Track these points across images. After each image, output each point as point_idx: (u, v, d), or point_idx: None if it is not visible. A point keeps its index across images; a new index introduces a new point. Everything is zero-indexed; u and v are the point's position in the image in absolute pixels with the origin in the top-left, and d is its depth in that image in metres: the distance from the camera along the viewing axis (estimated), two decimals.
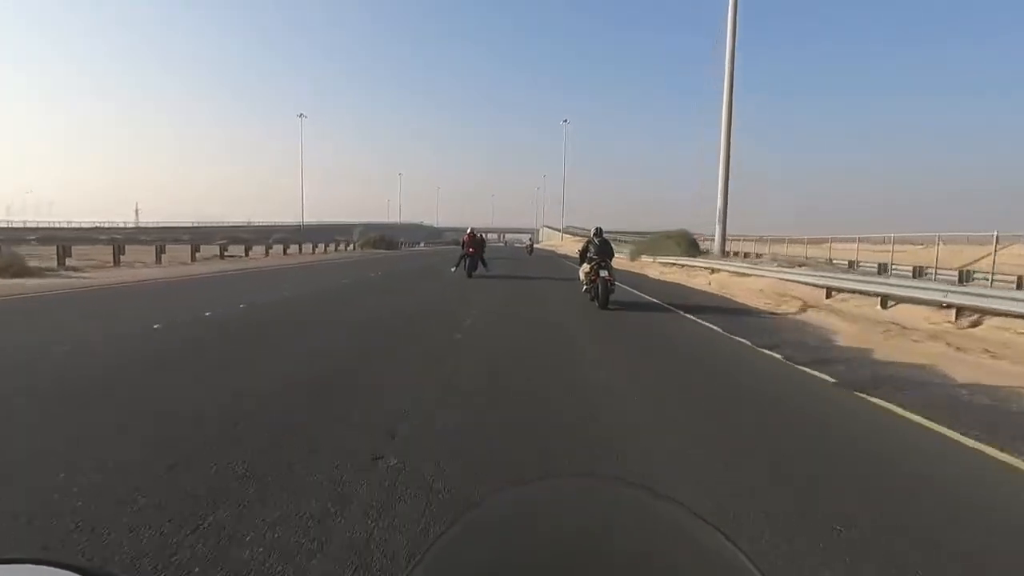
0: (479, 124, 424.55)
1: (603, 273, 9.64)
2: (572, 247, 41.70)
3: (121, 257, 16.64)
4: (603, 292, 9.56)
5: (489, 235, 46.83)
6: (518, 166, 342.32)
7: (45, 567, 0.39)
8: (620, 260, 29.76)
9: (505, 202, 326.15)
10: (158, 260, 17.94)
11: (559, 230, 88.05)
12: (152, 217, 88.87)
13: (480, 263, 16.19)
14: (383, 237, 45.33)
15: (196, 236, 52.25)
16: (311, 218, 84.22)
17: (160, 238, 38.30)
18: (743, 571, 0.43)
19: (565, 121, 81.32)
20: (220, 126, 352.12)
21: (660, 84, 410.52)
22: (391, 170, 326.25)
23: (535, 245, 50.14)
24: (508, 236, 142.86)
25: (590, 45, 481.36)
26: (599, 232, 10.64)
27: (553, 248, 66.28)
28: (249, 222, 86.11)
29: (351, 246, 41.76)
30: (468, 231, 16.76)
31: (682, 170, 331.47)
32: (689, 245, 24.49)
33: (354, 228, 60.23)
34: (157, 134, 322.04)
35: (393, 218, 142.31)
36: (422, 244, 72.71)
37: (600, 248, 10.17)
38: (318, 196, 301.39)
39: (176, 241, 30.40)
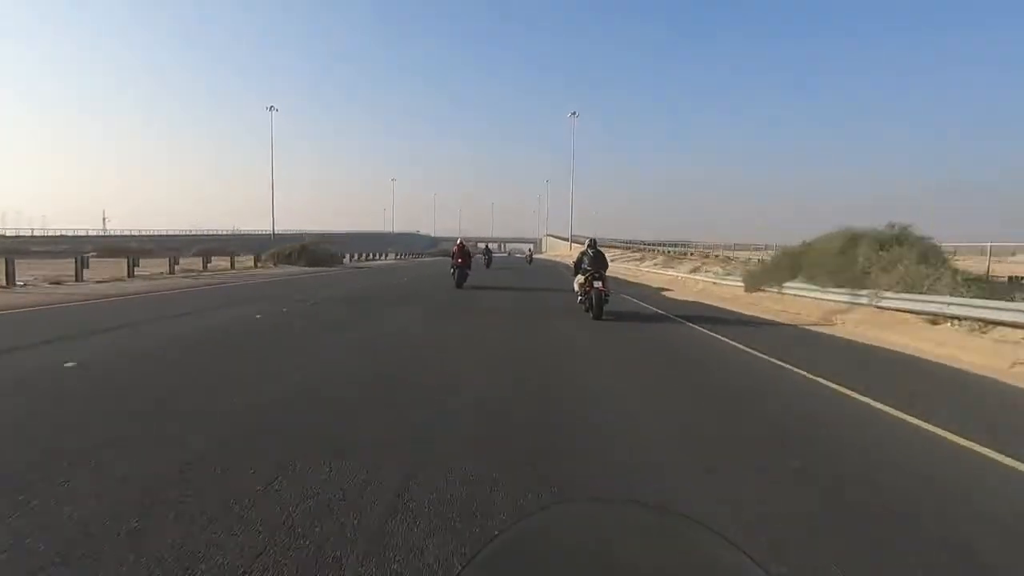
0: (480, 131, 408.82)
1: (597, 284, 9.56)
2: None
3: None
4: (597, 302, 9.46)
5: (491, 245, 44.70)
6: (521, 174, 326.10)
7: None
8: (730, 293, 15.22)
9: (507, 211, 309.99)
10: None
11: (565, 239, 73.50)
12: (130, 226, 75.69)
13: (468, 272, 15.93)
14: (306, 248, 29.31)
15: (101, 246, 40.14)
16: (307, 227, 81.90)
17: (74, 248, 31.32)
18: None
19: (573, 114, 65.88)
20: (212, 137, 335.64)
21: (673, 79, 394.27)
22: (390, 178, 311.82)
23: (535, 255, 50.34)
24: (510, 246, 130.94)
25: (600, 41, 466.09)
26: (593, 243, 10.49)
27: (559, 258, 56.58)
28: (236, 230, 77.21)
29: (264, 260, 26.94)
30: (458, 242, 16.20)
31: (700, 170, 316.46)
32: (941, 265, 9.28)
33: (303, 237, 48.31)
34: (152, 145, 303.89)
35: (390, 227, 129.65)
36: (392, 255, 54.18)
37: (594, 259, 9.99)
38: (313, 205, 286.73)
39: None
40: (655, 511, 0.57)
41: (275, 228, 60.87)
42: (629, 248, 52.74)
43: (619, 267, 33.69)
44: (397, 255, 56.45)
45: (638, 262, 33.45)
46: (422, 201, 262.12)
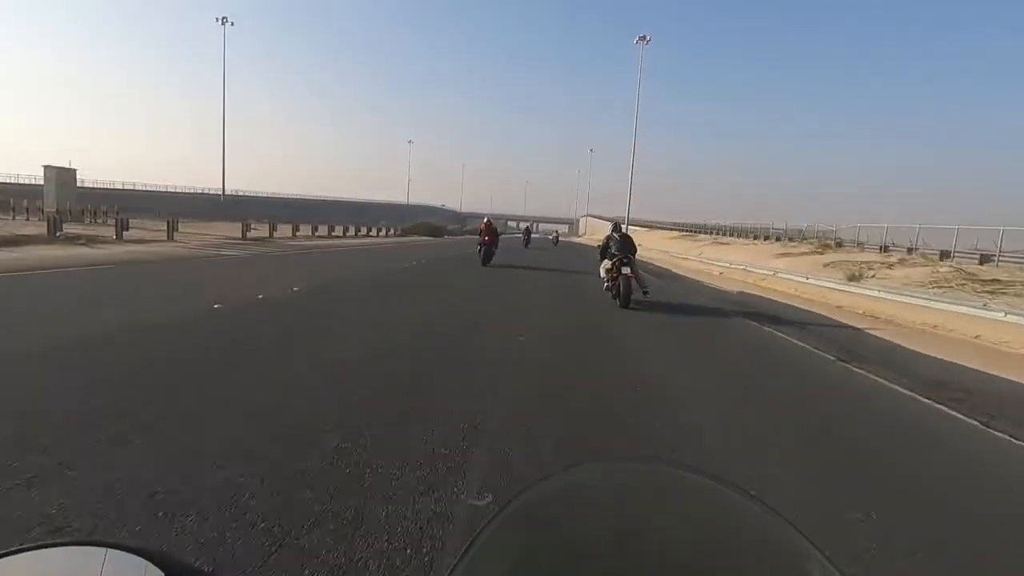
0: (513, 100, 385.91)
1: (625, 270, 9.13)
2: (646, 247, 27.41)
3: None
4: (625, 290, 8.98)
5: (526, 225, 39.91)
6: (559, 149, 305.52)
7: (116, 552, 0.40)
8: None
9: (542, 188, 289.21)
10: None
11: (608, 220, 57.50)
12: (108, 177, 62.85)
13: (494, 251, 16.42)
14: None
15: None
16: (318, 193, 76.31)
17: None
18: (810, 560, 0.41)
19: (643, 38, 45.91)
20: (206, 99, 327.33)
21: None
22: (418, 148, 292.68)
23: (569, 238, 54.58)
24: (543, 226, 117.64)
25: None
26: (618, 227, 10.28)
27: (599, 243, 40.88)
28: (170, 187, 62.73)
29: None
30: (485, 220, 16.63)
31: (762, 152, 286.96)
32: None
33: (48, 186, 24.11)
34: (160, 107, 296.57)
35: (415, 198, 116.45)
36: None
37: (621, 244, 9.50)
38: (325, 169, 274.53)
39: None
40: (684, 471, 0.50)
41: (226, 189, 48.00)
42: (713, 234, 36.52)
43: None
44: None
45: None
46: (450, 176, 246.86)
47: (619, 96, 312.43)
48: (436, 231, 48.33)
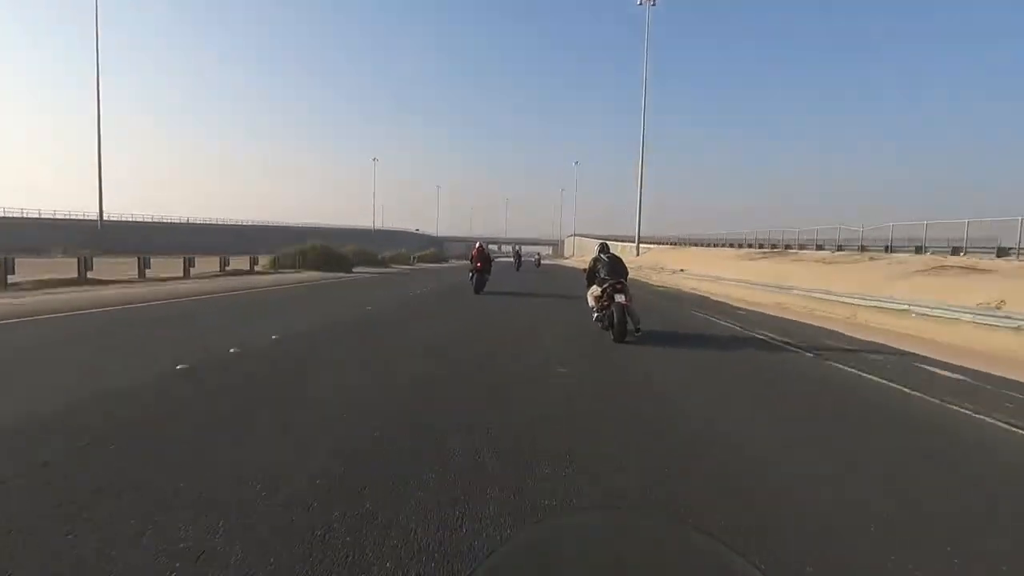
0: (490, 114, 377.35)
1: (619, 298, 8.01)
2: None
3: None
4: (619, 320, 7.79)
5: (503, 248, 41.42)
6: (542, 168, 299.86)
7: None
8: None
9: (526, 209, 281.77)
10: None
11: (597, 238, 48.95)
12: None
13: (487, 277, 16.14)
14: None
15: None
16: (277, 218, 73.55)
17: None
18: None
19: None
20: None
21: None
22: (394, 172, 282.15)
23: (554, 260, 56.38)
24: (526, 248, 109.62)
25: None
26: (606, 247, 9.17)
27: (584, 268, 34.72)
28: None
29: None
30: (476, 246, 16.57)
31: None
32: None
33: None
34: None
35: (387, 223, 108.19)
36: None
37: (611, 267, 8.55)
38: (290, 194, 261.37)
39: None
40: (662, 520, 0.55)
41: (104, 212, 39.14)
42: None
43: None
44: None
45: None
46: (428, 200, 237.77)
47: (606, 109, 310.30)
48: (339, 262, 26.94)
